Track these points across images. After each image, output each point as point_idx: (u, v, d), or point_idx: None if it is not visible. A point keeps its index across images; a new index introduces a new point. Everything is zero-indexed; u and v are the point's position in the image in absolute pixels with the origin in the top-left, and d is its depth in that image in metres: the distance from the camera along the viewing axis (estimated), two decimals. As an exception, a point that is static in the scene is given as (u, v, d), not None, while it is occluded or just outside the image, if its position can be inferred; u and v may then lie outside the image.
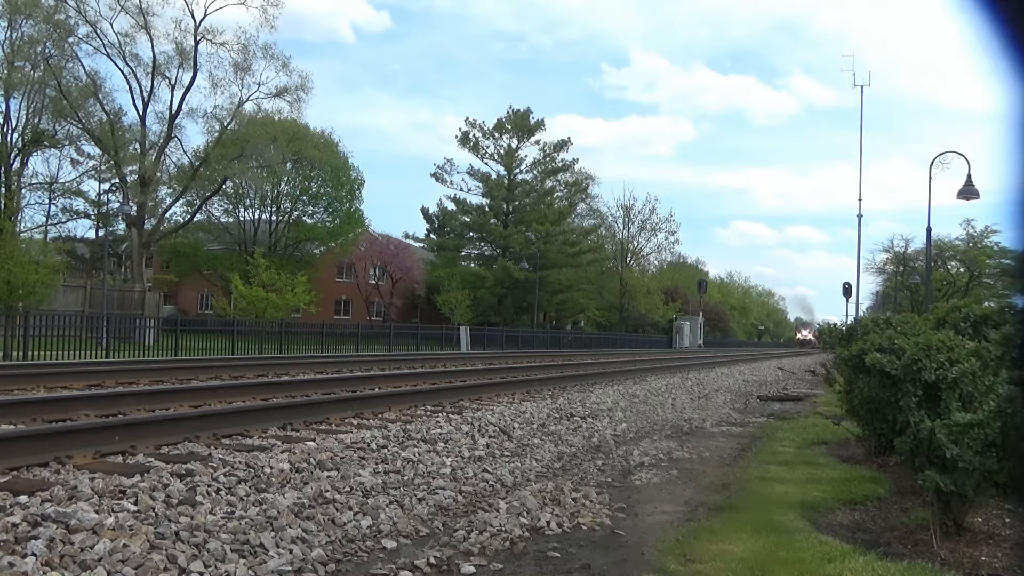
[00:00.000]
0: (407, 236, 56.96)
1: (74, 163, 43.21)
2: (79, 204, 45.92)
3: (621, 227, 63.91)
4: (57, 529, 3.77)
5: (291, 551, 4.19)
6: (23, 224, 38.89)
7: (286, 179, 48.52)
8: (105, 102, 37.25)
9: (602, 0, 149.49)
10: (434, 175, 55.63)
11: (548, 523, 5.29)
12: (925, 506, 5.37)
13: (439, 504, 5.60)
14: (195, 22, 37.07)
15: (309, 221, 50.87)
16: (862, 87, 45.07)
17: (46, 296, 23.98)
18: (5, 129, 36.35)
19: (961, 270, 57.88)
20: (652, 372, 20.76)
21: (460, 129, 54.95)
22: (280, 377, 13.64)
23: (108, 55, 36.69)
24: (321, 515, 4.81)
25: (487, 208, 55.24)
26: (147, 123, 38.11)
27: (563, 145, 55.63)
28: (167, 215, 43.04)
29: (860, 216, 44.85)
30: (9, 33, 34.87)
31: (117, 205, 35.92)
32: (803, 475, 7.52)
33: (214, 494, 4.76)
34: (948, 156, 23.33)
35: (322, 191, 50.83)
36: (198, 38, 37.24)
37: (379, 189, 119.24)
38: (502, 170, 55.13)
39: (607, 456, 8.25)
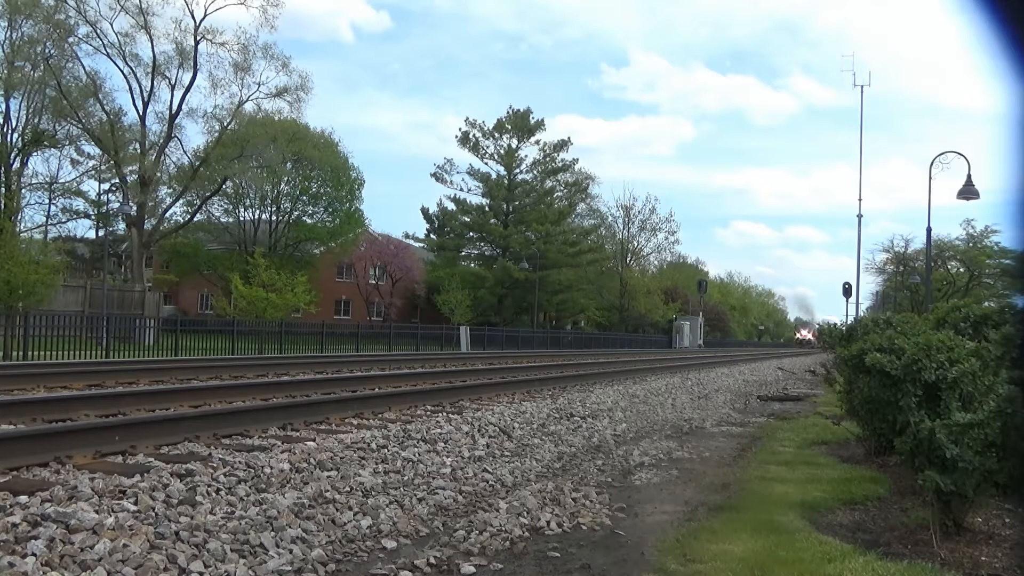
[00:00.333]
0: (407, 236, 57.05)
1: (74, 163, 43.26)
2: (79, 204, 45.99)
3: (621, 227, 63.99)
4: (57, 529, 3.77)
5: (291, 551, 4.19)
6: (23, 224, 38.94)
7: (286, 179, 48.52)
8: (105, 102, 37.30)
9: (602, 0, 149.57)
10: (434, 175, 55.72)
11: (548, 523, 5.29)
12: (925, 506, 5.37)
13: (439, 504, 5.60)
14: (195, 22, 37.12)
15: (309, 221, 50.88)
16: (862, 87, 45.10)
17: (46, 296, 23.98)
18: (5, 129, 36.37)
19: (961, 270, 57.88)
20: (652, 372, 20.76)
21: (460, 129, 55.05)
22: (280, 377, 13.64)
23: (108, 55, 36.76)
24: (321, 515, 4.81)
25: (487, 208, 55.24)
26: (147, 123, 38.19)
27: (563, 145, 55.66)
28: (167, 215, 43.11)
29: (860, 216, 44.90)
30: (9, 33, 34.92)
31: (117, 205, 35.92)
32: (803, 475, 7.52)
33: (214, 494, 4.76)
34: (948, 156, 23.35)
35: (322, 191, 50.84)
36: (198, 38, 37.28)
37: (379, 189, 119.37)
38: (502, 170, 55.14)
39: (607, 456, 8.24)
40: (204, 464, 5.40)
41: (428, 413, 9.48)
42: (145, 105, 37.68)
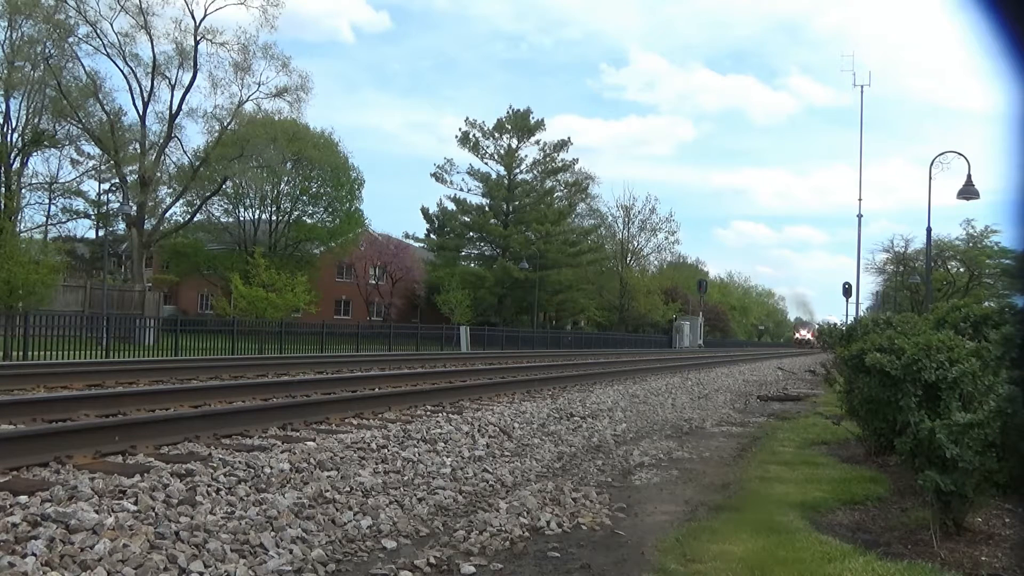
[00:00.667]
0: (407, 236, 57.05)
1: (74, 163, 43.34)
2: (79, 204, 46.07)
3: (621, 227, 63.98)
4: (57, 529, 3.77)
5: (291, 551, 4.19)
6: (23, 224, 38.97)
7: (286, 179, 48.55)
8: (105, 102, 37.31)
9: (602, 0, 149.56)
10: (434, 175, 55.72)
11: (548, 523, 5.29)
12: (925, 506, 5.37)
13: (439, 504, 5.60)
14: (195, 22, 37.12)
15: (309, 221, 50.92)
16: (862, 87, 45.06)
17: (46, 296, 23.99)
18: (5, 129, 36.38)
19: (961, 270, 57.84)
20: (652, 372, 20.76)
21: (460, 129, 55.05)
22: (280, 377, 13.64)
23: (108, 55, 36.75)
24: (321, 515, 4.81)
25: (487, 208, 55.25)
26: (147, 123, 38.18)
27: (563, 145, 55.67)
28: (167, 215, 43.12)
29: (860, 216, 44.90)
30: (9, 33, 34.92)
31: (117, 205, 35.91)
32: (803, 475, 7.52)
33: (214, 494, 4.77)
34: (948, 156, 23.36)
35: (322, 191, 50.88)
36: (198, 38, 37.28)
37: (379, 189, 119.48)
38: (502, 170, 55.14)
39: (607, 456, 8.24)
40: (204, 464, 5.40)
41: (428, 413, 9.48)
42: (145, 105, 37.74)
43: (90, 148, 41.03)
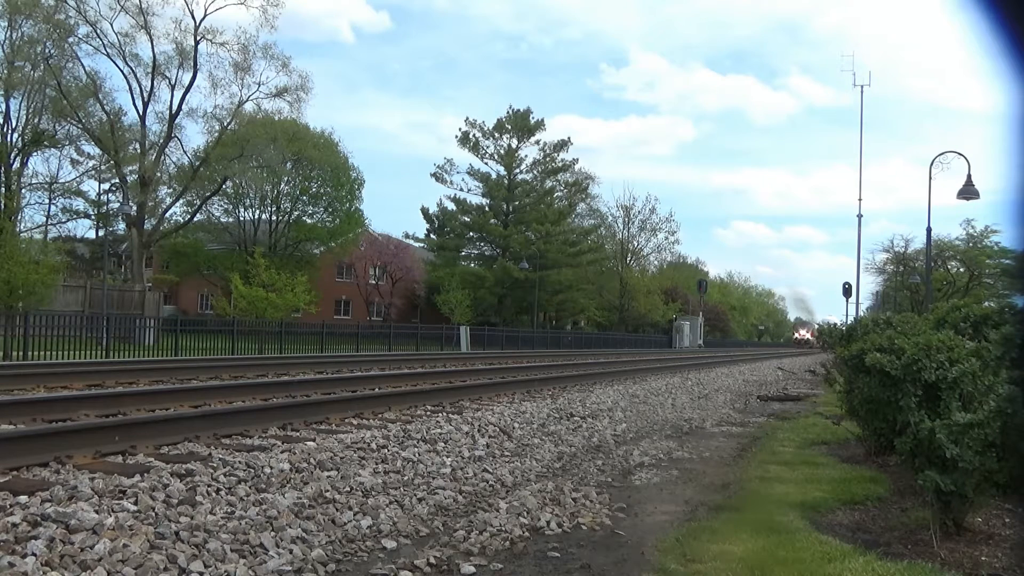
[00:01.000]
0: (407, 236, 57.05)
1: (74, 163, 43.34)
2: (79, 204, 46.08)
3: (621, 227, 63.99)
4: (57, 529, 3.77)
5: (291, 551, 4.19)
6: (23, 224, 38.97)
7: (286, 179, 48.56)
8: (105, 102, 37.32)
9: (602, 0, 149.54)
10: (434, 175, 55.72)
11: (548, 523, 5.29)
12: (925, 506, 5.37)
13: (439, 504, 5.60)
14: (195, 22, 37.13)
15: (309, 221, 50.91)
16: (862, 87, 45.13)
17: (46, 296, 23.99)
18: (5, 129, 36.38)
19: (961, 270, 57.82)
20: (652, 372, 20.76)
21: (460, 129, 55.06)
22: (280, 377, 13.64)
23: (108, 55, 36.76)
24: (321, 515, 4.81)
25: (487, 208, 55.25)
26: (147, 123, 38.20)
27: (563, 145, 55.68)
28: (167, 215, 43.13)
29: (860, 216, 44.93)
30: (9, 33, 34.92)
31: (117, 205, 35.92)
32: (803, 475, 7.52)
33: (214, 494, 4.77)
34: (948, 156, 23.37)
35: (322, 191, 50.88)
36: (198, 38, 37.29)
37: (379, 189, 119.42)
38: (502, 170, 55.15)
39: (607, 456, 8.24)
40: (204, 464, 5.40)
41: (428, 413, 9.48)
42: (145, 105, 37.74)
43: (90, 148, 41.11)
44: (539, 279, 49.80)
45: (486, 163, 55.10)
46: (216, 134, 38.69)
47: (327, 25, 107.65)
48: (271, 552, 4.13)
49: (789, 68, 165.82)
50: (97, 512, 4.04)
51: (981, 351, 5.77)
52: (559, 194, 57.29)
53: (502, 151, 54.77)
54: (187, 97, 37.97)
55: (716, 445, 9.82)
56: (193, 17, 37.09)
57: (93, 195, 45.90)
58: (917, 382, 5.61)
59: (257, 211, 50.28)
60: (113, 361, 16.50)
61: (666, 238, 66.44)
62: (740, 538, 5.02)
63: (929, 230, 25.01)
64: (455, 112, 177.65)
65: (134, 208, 35.74)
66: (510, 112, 54.74)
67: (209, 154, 38.50)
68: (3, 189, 35.80)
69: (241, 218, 49.97)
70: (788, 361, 41.07)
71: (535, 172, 56.07)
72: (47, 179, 42.61)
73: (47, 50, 35.25)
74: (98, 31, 36.01)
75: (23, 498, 4.22)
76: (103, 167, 42.49)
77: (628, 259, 64.26)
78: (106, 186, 42.70)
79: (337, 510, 4.98)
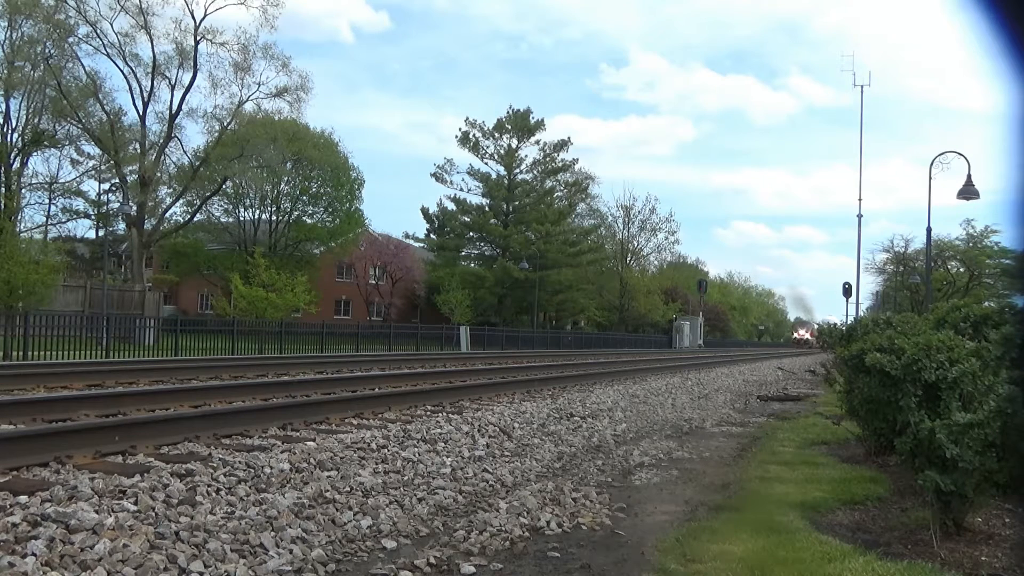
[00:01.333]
0: (407, 236, 57.07)
1: (74, 163, 43.35)
2: (79, 204, 46.10)
3: (621, 227, 64.00)
4: (57, 529, 3.77)
5: (291, 551, 4.19)
6: (23, 224, 38.99)
7: (286, 179, 48.56)
8: (105, 102, 37.33)
9: (602, 0, 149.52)
10: (434, 175, 55.74)
11: (548, 523, 5.29)
12: (925, 506, 5.37)
13: (439, 504, 5.60)
14: (195, 22, 37.14)
15: (309, 221, 50.93)
16: (862, 87, 45.07)
17: (46, 296, 24.00)
18: (5, 129, 36.39)
19: (961, 270, 57.82)
20: (652, 372, 20.76)
21: (460, 129, 55.07)
22: (280, 377, 13.64)
23: (108, 55, 36.77)
24: (321, 515, 4.81)
25: (487, 208, 55.26)
26: (147, 123, 38.21)
27: (563, 145, 55.69)
28: (167, 215, 43.14)
29: (860, 216, 44.90)
30: (9, 33, 34.93)
31: (117, 205, 35.91)
32: (803, 475, 7.52)
33: (214, 494, 4.77)
34: (948, 156, 23.36)
35: (322, 191, 50.89)
36: (198, 38, 37.29)
37: (379, 189, 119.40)
38: (502, 170, 55.15)
39: (607, 456, 8.24)
40: (204, 464, 5.40)
41: (428, 413, 9.48)
42: (145, 105, 37.75)
43: (90, 148, 41.12)
44: (539, 279, 49.81)
45: (486, 163, 55.21)
46: (216, 134, 38.71)
47: (327, 25, 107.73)
48: (271, 552, 4.13)
49: (789, 68, 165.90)
50: (97, 512, 4.04)
51: (981, 351, 5.77)
52: (559, 194, 57.32)
53: (502, 151, 54.78)
54: (187, 97, 38.05)
55: (716, 445, 9.82)
56: (193, 17, 37.16)
57: (93, 195, 46.01)
58: (917, 382, 5.61)
59: (257, 211, 50.36)
60: (113, 361, 16.50)
61: (666, 238, 66.56)
62: (740, 538, 5.02)
63: (929, 230, 25.04)
64: (455, 112, 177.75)
65: (134, 208, 35.74)
66: (510, 112, 54.78)
67: (209, 154, 38.50)
68: (3, 189, 35.81)
69: (241, 218, 50.01)
70: (788, 361, 41.06)
71: (535, 172, 56.10)
72: (47, 179, 42.70)
73: (47, 50, 35.28)
74: (98, 31, 36.07)
75: (23, 498, 4.22)
76: (103, 167, 42.52)
77: (628, 259, 64.28)
78: (106, 186, 42.77)
79: (337, 510, 4.98)
